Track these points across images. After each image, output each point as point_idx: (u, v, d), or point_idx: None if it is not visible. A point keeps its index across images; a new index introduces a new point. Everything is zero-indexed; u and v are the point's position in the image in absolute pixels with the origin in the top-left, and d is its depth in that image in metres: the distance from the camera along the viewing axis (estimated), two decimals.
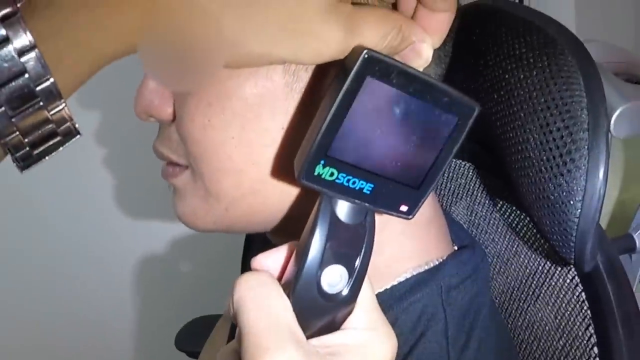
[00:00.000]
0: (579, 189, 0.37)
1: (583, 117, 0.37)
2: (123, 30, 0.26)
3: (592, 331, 0.47)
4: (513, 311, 0.57)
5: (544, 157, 0.38)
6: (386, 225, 0.45)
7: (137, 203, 1.29)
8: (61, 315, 1.29)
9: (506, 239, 0.60)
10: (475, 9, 0.52)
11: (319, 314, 0.31)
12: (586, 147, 0.36)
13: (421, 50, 0.33)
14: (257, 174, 0.40)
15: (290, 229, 0.39)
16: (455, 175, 0.70)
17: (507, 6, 0.49)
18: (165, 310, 1.37)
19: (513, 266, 0.59)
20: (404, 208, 0.33)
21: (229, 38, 0.28)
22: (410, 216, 0.34)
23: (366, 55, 0.27)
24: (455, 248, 0.52)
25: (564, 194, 0.37)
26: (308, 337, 0.30)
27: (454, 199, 0.70)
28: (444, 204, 0.71)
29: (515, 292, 0.57)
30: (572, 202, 0.37)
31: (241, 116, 0.39)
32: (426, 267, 0.47)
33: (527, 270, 0.56)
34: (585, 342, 0.48)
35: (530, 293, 0.55)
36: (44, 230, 1.23)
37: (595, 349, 0.47)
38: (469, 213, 0.67)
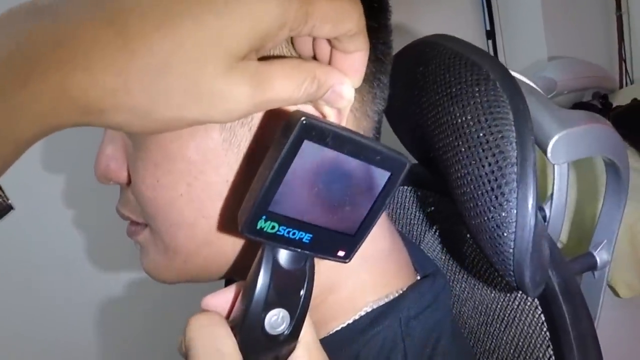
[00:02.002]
0: (511, 221, 0.38)
1: (512, 151, 0.38)
2: (38, 114, 0.28)
3: (552, 352, 0.48)
4: (481, 335, 0.58)
5: (479, 192, 0.40)
6: None
7: (101, 254, 1.36)
8: (26, 353, 1.33)
9: (472, 264, 0.61)
10: (420, 45, 0.54)
11: (263, 352, 0.33)
12: (515, 180, 0.38)
13: (341, 91, 0.35)
14: (209, 226, 0.42)
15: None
16: (423, 205, 0.72)
17: (448, 42, 0.50)
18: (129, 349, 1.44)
19: (479, 290, 0.60)
20: (341, 253, 0.35)
21: (137, 108, 0.29)
22: (347, 260, 0.35)
23: (304, 122, 0.29)
24: (419, 277, 0.53)
25: (498, 226, 0.39)
26: None
27: (423, 227, 0.71)
28: (415, 232, 0.72)
29: (482, 316, 0.58)
30: (505, 234, 0.39)
31: (187, 174, 0.41)
32: (386, 300, 0.48)
33: (492, 294, 0.58)
34: None
35: (495, 317, 0.56)
36: (14, 275, 1.27)
37: None
38: (439, 239, 0.69)
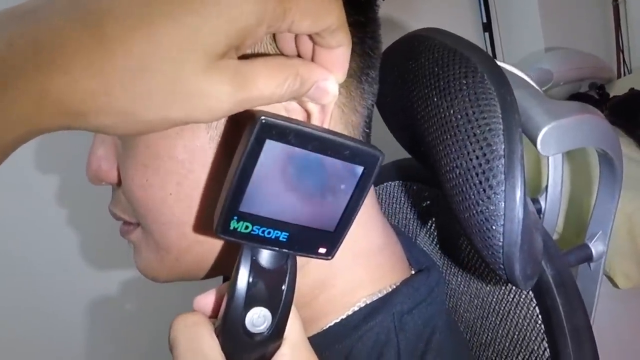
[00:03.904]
0: (499, 214, 0.38)
1: (499, 144, 0.38)
2: (21, 117, 0.28)
3: (546, 345, 0.48)
4: (477, 328, 0.58)
5: (467, 185, 0.39)
6: (337, 257, 0.46)
7: (94, 253, 1.37)
8: (18, 352, 1.34)
9: (468, 258, 0.61)
10: (410, 39, 0.54)
11: (246, 351, 0.33)
12: (502, 173, 0.38)
13: (326, 87, 0.34)
14: (198, 224, 0.42)
15: None
16: (418, 199, 0.72)
17: (438, 35, 0.50)
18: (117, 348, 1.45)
19: (475, 284, 0.60)
20: (322, 250, 0.35)
21: (118, 110, 0.29)
22: (330, 257, 0.35)
23: (263, 121, 0.28)
24: (413, 272, 0.53)
25: (486, 219, 0.39)
26: None
27: (419, 222, 0.71)
28: (411, 227, 0.72)
29: (478, 309, 0.58)
30: (494, 227, 0.38)
31: (175, 173, 0.41)
32: (380, 295, 0.48)
33: (487, 288, 0.57)
34: (540, 356, 0.49)
35: (491, 310, 0.56)
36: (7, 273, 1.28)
37: None
38: (435, 233, 0.68)
